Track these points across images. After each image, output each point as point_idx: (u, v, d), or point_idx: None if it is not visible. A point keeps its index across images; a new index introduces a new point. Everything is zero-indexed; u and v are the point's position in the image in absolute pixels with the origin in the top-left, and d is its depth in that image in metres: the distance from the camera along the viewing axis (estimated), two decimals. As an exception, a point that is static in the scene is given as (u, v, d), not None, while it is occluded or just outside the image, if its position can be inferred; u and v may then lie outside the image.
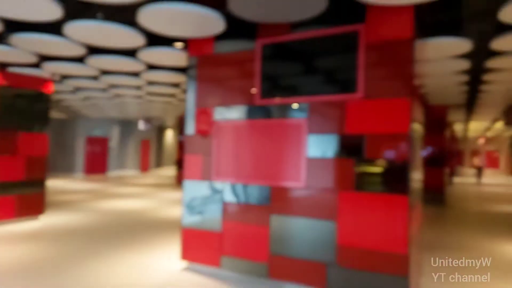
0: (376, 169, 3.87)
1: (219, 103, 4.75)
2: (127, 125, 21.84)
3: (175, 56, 5.81)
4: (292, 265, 4.13)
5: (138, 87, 9.04)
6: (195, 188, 4.84)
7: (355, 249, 3.82)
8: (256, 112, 4.50)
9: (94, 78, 7.83)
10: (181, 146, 16.12)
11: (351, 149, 3.95)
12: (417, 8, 3.77)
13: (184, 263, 4.89)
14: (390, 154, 3.80)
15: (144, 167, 22.81)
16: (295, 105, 4.28)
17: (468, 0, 3.95)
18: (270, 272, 4.25)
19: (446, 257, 5.44)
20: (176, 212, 8.99)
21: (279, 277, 4.21)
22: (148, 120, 17.20)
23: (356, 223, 3.84)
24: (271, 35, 4.39)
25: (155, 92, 9.74)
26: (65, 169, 19.01)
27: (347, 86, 3.99)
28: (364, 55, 3.89)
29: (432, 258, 5.27)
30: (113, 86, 8.85)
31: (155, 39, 5.13)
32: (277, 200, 4.30)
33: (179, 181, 15.69)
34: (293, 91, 4.35)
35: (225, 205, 4.61)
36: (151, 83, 8.33)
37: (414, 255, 3.82)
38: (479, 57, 5.82)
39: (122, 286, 4.22)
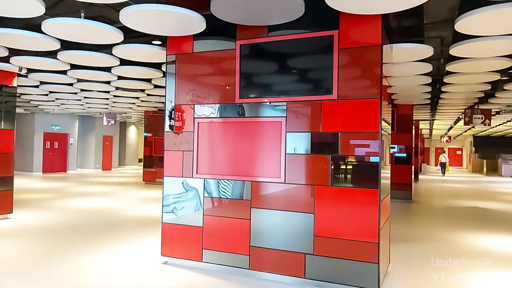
0: (350, 165, 4.18)
1: (199, 101, 4.88)
2: (88, 120, 21.23)
3: (152, 52, 5.85)
4: (273, 256, 4.36)
5: (107, 82, 8.92)
6: (176, 184, 4.94)
7: (331, 239, 4.10)
8: (234, 110, 4.67)
9: (63, 72, 7.66)
10: (148, 143, 15.94)
11: (326, 146, 4.23)
12: (385, 16, 4.10)
13: (164, 259, 4.99)
14: (361, 151, 4.11)
15: (106, 165, 22.27)
16: (273, 104, 4.49)
17: (428, 11, 4.33)
18: (251, 263, 4.46)
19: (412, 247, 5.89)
20: (147, 210, 8.98)
21: (260, 268, 4.43)
22: (112, 115, 16.83)
23: (332, 215, 4.13)
24: (250, 36, 4.57)
25: (124, 87, 9.64)
26: (22, 167, 18.22)
27: (323, 87, 4.26)
28: (338, 59, 4.17)
29: (399, 248, 5.69)
30: (81, 80, 8.68)
31: (133, 36, 5.17)
32: (257, 194, 4.51)
33: (146, 179, 15.51)
34: (271, 90, 4.57)
35: (206, 200, 4.76)
36: (121, 77, 8.26)
37: (383, 244, 4.15)
38: (440, 61, 6.32)
39: (102, 283, 4.27)
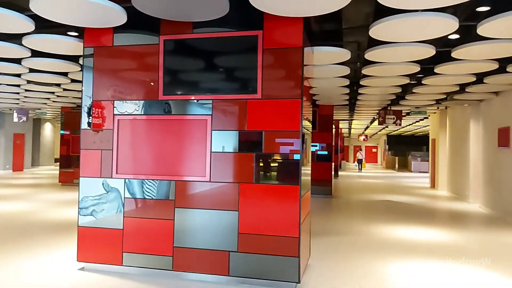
0: (273, 163, 4.28)
1: (119, 97, 4.66)
2: (-5, 117, 19.22)
3: (67, 44, 5.45)
4: (197, 256, 4.31)
5: (17, 75, 8.14)
6: (93, 185, 4.66)
7: (254, 235, 4.17)
8: (158, 107, 4.54)
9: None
10: (64, 141, 14.87)
11: (251, 144, 4.29)
12: (306, 20, 4.27)
13: (80, 264, 4.69)
14: (284, 149, 4.24)
15: (17, 166, 20.34)
16: (199, 102, 4.45)
17: (346, 17, 4.60)
18: (175, 264, 4.36)
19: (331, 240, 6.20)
20: (64, 214, 8.37)
21: (184, 269, 4.35)
22: (24, 111, 15.41)
23: (256, 212, 4.19)
24: (175, 32, 4.47)
25: (37, 81, 8.87)
26: None
27: (248, 86, 4.31)
28: (263, 59, 4.24)
29: (320, 241, 5.97)
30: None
31: (45, 26, 4.77)
32: (181, 194, 4.42)
33: (62, 180, 14.45)
34: (196, 88, 4.52)
35: (126, 202, 4.56)
36: (34, 70, 7.59)
37: (303, 238, 4.33)
38: (357, 65, 6.74)
39: (11, 292, 3.90)
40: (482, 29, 4.47)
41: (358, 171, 26.84)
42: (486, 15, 4.27)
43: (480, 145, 10.80)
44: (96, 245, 4.62)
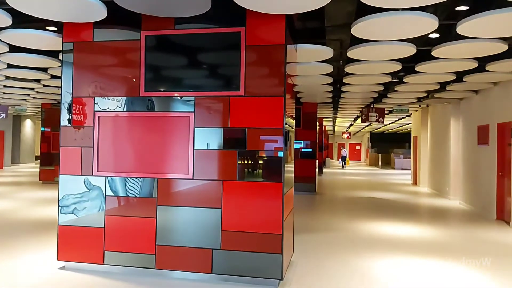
0: (256, 160, 4.28)
1: (100, 93, 4.58)
2: (-27, 114, 18.70)
3: (46, 39, 5.33)
4: (180, 254, 4.28)
5: (-6, 71, 7.93)
6: (73, 183, 4.58)
7: (237, 232, 4.16)
8: (140, 104, 4.48)
9: None
10: (45, 138, 14.58)
11: (234, 142, 4.27)
12: (288, 17, 4.27)
13: (61, 263, 4.61)
14: (267, 146, 4.24)
15: (-4, 163, 19.86)
16: (181, 99, 4.41)
17: (329, 15, 4.61)
18: (157, 262, 4.33)
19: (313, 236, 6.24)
20: (43, 212, 8.21)
21: (166, 267, 4.32)
22: (3, 108, 15.03)
23: (239, 209, 4.19)
24: (156, 27, 4.41)
25: (16, 77, 8.66)
26: None
27: (231, 83, 4.29)
28: (245, 56, 4.23)
29: (303, 238, 6.00)
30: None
31: (23, 20, 4.65)
32: (164, 192, 4.38)
33: (43, 178, 14.16)
34: (178, 85, 4.48)
35: (107, 200, 4.49)
36: (13, 66, 7.41)
37: (286, 235, 4.34)
38: (339, 63, 6.78)
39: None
40: (462, 28, 4.54)
41: (342, 168, 27.20)
42: (465, 14, 4.34)
43: (460, 142, 11.02)
44: (77, 244, 4.54)
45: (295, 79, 5.84)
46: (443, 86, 8.68)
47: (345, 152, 29.03)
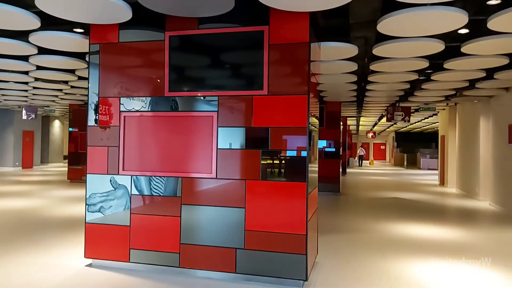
0: (279, 159, 4.24)
1: (125, 94, 4.65)
2: (5, 114, 19.44)
3: (74, 41, 5.46)
4: (203, 253, 4.30)
5: (25, 72, 8.19)
6: (100, 182, 4.67)
7: (261, 232, 4.14)
8: (164, 104, 4.52)
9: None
10: (73, 138, 14.98)
11: (257, 141, 4.25)
12: (312, 15, 4.21)
13: (88, 261, 4.71)
14: (290, 146, 4.20)
15: (27, 163, 20.56)
16: (205, 99, 4.42)
17: (353, 12, 4.53)
18: (182, 261, 4.36)
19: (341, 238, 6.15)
20: (71, 210, 8.42)
21: (190, 266, 4.34)
22: (32, 109, 15.53)
23: (262, 209, 4.16)
24: (180, 28, 4.44)
25: (45, 78, 8.92)
26: None
27: (254, 82, 4.27)
28: (269, 54, 4.20)
29: (327, 238, 5.93)
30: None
31: (51, 23, 4.78)
32: (188, 191, 4.41)
33: (71, 177, 14.56)
34: (202, 84, 4.49)
35: (133, 198, 4.56)
36: (41, 68, 7.63)
37: (311, 235, 4.29)
38: (364, 61, 6.66)
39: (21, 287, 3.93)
40: (493, 23, 4.38)
41: (359, 166, 28.35)
42: (497, 8, 4.17)
43: (490, 141, 10.65)
44: (103, 242, 4.63)
45: (319, 77, 5.77)
46: (472, 83, 8.40)
47: (362, 151, 29.40)
